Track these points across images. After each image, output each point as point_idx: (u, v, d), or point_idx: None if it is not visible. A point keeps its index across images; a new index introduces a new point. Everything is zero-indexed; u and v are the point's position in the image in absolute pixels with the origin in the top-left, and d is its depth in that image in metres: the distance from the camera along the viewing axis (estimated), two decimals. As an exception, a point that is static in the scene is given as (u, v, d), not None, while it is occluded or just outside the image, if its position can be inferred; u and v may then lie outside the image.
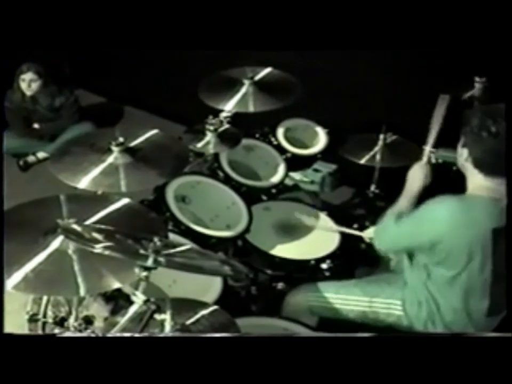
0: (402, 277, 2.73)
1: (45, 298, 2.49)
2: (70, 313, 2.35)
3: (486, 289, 2.45)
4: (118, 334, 1.97)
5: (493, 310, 2.51)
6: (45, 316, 2.48)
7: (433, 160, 3.62)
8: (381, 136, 3.38)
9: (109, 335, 2.01)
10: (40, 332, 2.48)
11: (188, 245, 2.32)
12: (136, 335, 1.92)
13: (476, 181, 2.40)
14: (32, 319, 2.47)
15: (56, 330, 2.36)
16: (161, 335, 1.95)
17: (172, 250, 1.98)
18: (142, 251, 1.90)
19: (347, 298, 2.73)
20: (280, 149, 3.61)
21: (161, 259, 1.90)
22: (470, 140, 2.35)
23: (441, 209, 2.37)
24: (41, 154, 4.88)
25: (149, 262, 1.87)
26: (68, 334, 2.18)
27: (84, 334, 2.16)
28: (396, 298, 2.67)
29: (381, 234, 2.67)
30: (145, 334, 1.94)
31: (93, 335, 2.09)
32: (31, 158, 4.86)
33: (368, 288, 2.73)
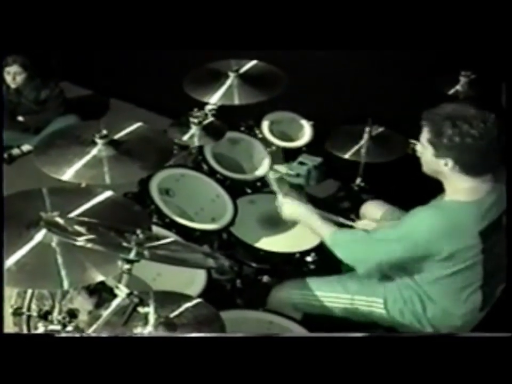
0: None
1: (29, 291, 2.48)
2: (54, 306, 2.34)
3: (477, 287, 2.46)
4: (118, 335, 1.97)
5: (486, 305, 2.53)
6: (29, 309, 2.46)
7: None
8: (367, 129, 3.38)
9: (110, 335, 2.00)
10: (24, 325, 2.47)
11: (171, 237, 2.32)
12: (134, 335, 1.93)
13: (458, 184, 2.38)
14: (17, 312, 2.46)
15: (40, 324, 2.34)
16: (157, 335, 1.95)
17: (155, 243, 1.97)
18: (124, 244, 1.90)
19: (329, 296, 2.73)
20: (265, 142, 3.61)
21: (144, 252, 1.89)
22: (455, 150, 2.29)
23: (423, 225, 2.36)
24: (25, 147, 4.85)
25: (132, 255, 1.86)
26: (67, 334, 2.17)
27: (84, 334, 2.14)
28: (377, 295, 2.67)
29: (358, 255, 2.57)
30: (142, 335, 1.95)
31: (92, 335, 2.09)
32: (15, 151, 4.83)
33: (349, 284, 2.72)
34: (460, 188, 2.38)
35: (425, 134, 2.36)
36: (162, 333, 1.97)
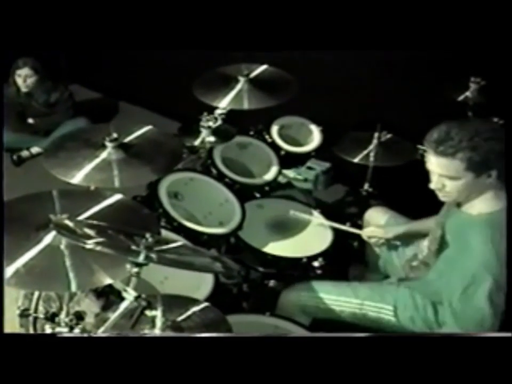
0: (394, 279, 2.75)
1: (36, 293, 2.49)
2: (61, 308, 2.34)
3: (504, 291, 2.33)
4: (120, 335, 1.98)
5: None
6: (36, 311, 2.47)
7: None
8: (376, 135, 3.38)
9: (110, 335, 2.01)
10: (31, 327, 2.47)
11: (180, 241, 2.32)
12: (136, 335, 1.94)
13: (488, 194, 2.35)
14: (23, 314, 2.46)
15: (47, 326, 2.34)
16: (161, 335, 1.95)
17: (164, 247, 1.97)
18: (133, 247, 1.90)
19: (338, 299, 2.73)
20: (274, 147, 3.62)
21: (153, 255, 1.89)
22: (495, 159, 2.25)
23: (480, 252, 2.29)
24: (35, 150, 4.86)
25: (141, 258, 1.86)
26: (67, 334, 2.17)
27: (84, 334, 2.15)
28: (387, 302, 2.67)
29: None
30: (146, 335, 1.95)
31: (94, 335, 2.09)
32: (24, 153, 4.85)
33: (360, 289, 2.73)
34: (488, 197, 2.36)
35: (459, 166, 2.26)
36: (165, 333, 1.97)
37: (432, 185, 2.38)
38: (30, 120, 4.95)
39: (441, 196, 2.41)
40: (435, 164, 2.32)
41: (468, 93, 3.62)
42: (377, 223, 3.11)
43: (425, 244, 2.72)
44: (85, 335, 2.14)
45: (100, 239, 1.89)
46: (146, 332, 2.01)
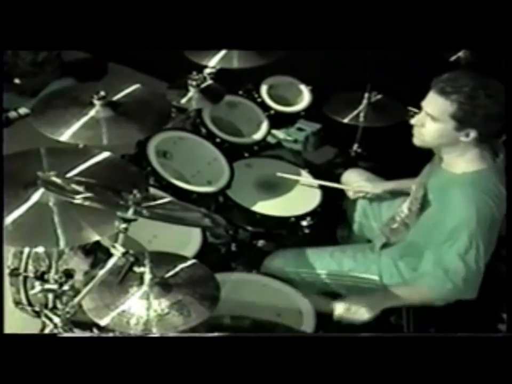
0: (378, 243, 2.78)
1: (25, 252, 2.49)
2: (50, 267, 2.35)
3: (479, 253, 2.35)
4: (120, 335, 1.98)
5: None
6: (25, 270, 2.47)
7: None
8: (366, 95, 3.37)
9: (111, 335, 2.03)
10: (21, 286, 2.48)
11: (167, 198, 2.32)
12: (137, 335, 1.94)
13: (467, 154, 2.36)
14: (13, 273, 2.47)
15: (37, 283, 2.34)
16: (162, 335, 1.96)
17: (152, 203, 1.97)
18: (122, 202, 1.90)
19: (323, 273, 2.74)
20: (264, 106, 3.61)
21: (142, 210, 1.89)
22: (484, 120, 2.26)
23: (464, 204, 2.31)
24: (22, 110, 4.81)
25: (129, 213, 1.86)
26: (68, 334, 2.18)
27: (86, 334, 2.16)
28: (372, 273, 2.69)
29: None
30: (146, 335, 1.95)
31: (94, 335, 2.10)
32: (12, 114, 4.80)
33: (344, 260, 2.73)
34: (473, 157, 2.37)
35: (447, 108, 2.27)
36: (166, 333, 1.98)
37: (413, 121, 2.41)
38: (17, 80, 4.90)
39: (415, 137, 2.43)
40: (427, 100, 2.35)
41: (460, 53, 3.61)
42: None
43: (405, 205, 2.71)
44: (86, 335, 2.16)
45: (88, 194, 1.88)
46: (136, 289, 2.03)
